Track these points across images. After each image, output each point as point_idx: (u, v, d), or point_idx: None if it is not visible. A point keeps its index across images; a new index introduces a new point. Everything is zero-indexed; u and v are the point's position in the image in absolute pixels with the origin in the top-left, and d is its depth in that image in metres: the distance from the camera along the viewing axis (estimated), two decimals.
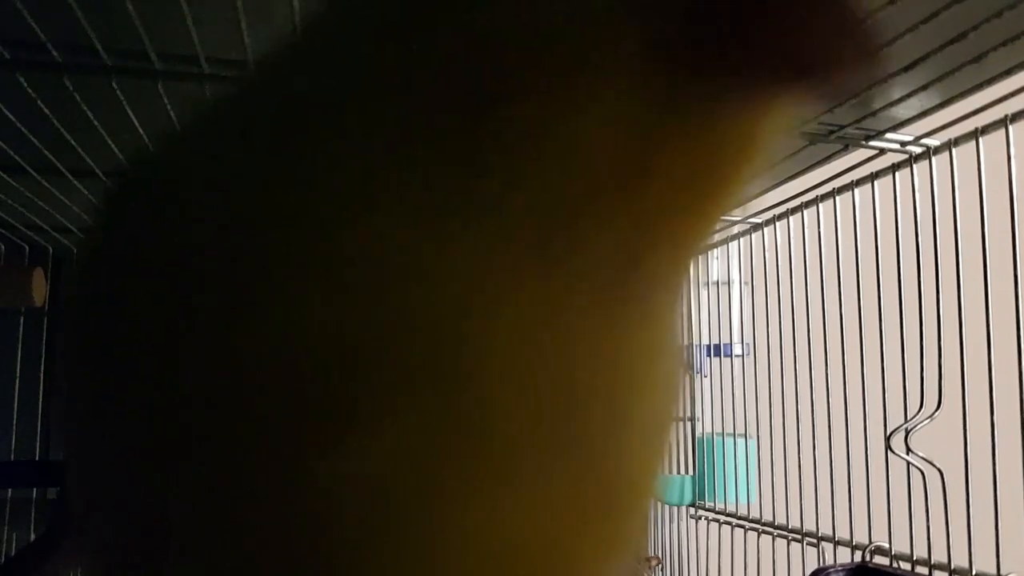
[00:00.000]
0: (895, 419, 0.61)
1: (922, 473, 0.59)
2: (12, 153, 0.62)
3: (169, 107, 0.52)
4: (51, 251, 0.90)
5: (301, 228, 0.14)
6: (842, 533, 0.68)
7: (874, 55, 0.12)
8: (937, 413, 0.59)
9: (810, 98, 0.13)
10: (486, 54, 0.13)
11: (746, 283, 0.84)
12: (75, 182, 0.66)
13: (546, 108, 0.13)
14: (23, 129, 0.56)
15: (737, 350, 0.89)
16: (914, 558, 0.60)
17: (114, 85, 0.50)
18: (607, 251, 0.14)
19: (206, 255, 0.14)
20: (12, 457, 0.87)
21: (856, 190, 0.66)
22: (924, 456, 0.59)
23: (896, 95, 0.54)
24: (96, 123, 0.55)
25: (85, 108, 0.53)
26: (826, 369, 0.69)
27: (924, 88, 0.52)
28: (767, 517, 0.79)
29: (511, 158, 0.13)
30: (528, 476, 0.14)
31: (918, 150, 0.61)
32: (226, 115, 0.17)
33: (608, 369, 0.15)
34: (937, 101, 0.55)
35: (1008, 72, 0.50)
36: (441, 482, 0.13)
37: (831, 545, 0.69)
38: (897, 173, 0.62)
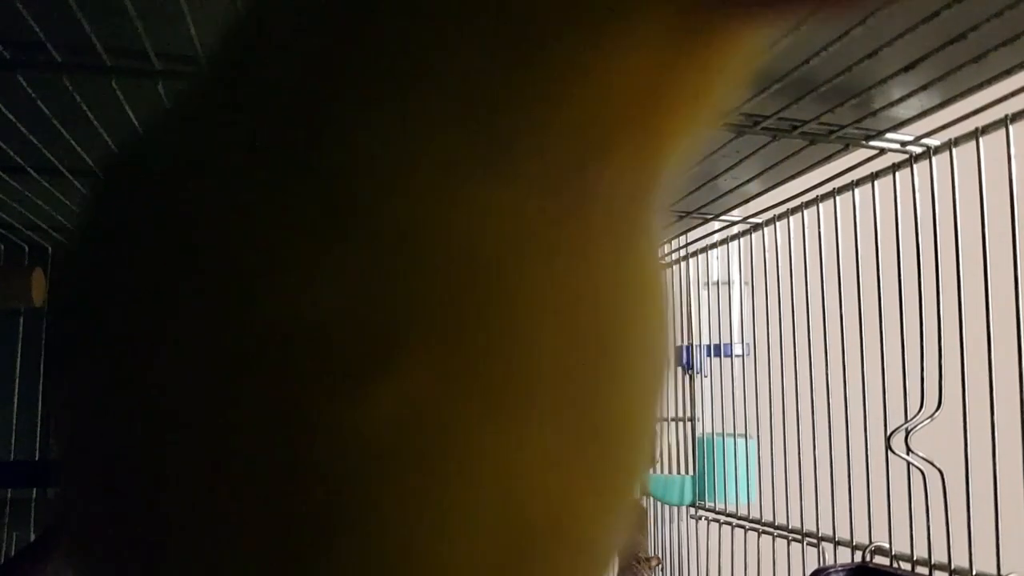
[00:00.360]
0: (895, 419, 0.61)
1: (922, 473, 0.59)
2: (12, 153, 0.62)
3: (169, 105, 0.52)
4: (51, 251, 0.90)
5: (327, 182, 0.14)
6: (842, 533, 0.68)
7: None
8: (937, 413, 0.59)
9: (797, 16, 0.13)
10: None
11: (746, 283, 0.84)
12: (75, 182, 0.66)
13: (579, 51, 0.13)
14: (23, 129, 0.56)
15: (737, 350, 0.89)
16: (914, 558, 0.60)
17: (114, 85, 0.50)
18: (617, 197, 0.14)
19: (212, 216, 0.14)
20: (12, 457, 0.87)
21: (856, 190, 0.66)
22: (924, 456, 0.59)
23: (896, 95, 0.54)
24: (96, 123, 0.55)
25: (85, 108, 0.53)
26: (826, 369, 0.69)
27: (924, 88, 0.52)
28: (767, 517, 0.79)
29: (541, 107, 0.14)
30: (543, 428, 0.14)
31: (918, 150, 0.61)
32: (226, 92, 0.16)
33: (618, 323, 0.15)
34: (937, 101, 0.55)
35: (1008, 72, 0.50)
36: (460, 434, 0.14)
37: (831, 545, 0.69)
38: (897, 173, 0.62)
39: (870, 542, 0.63)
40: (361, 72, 0.14)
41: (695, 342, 0.94)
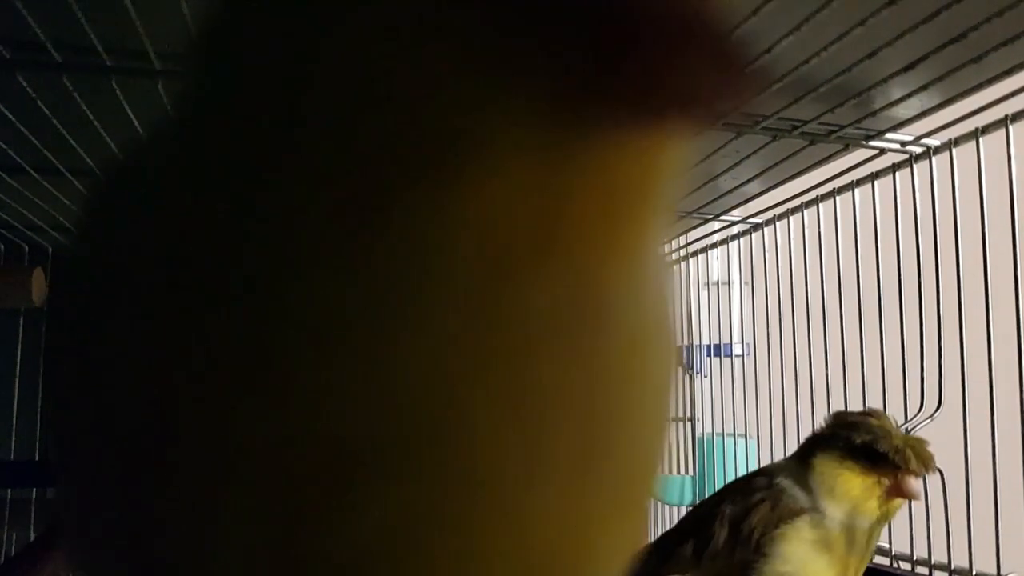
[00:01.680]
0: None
1: None
2: (12, 153, 0.62)
3: (169, 107, 0.52)
4: (51, 251, 0.90)
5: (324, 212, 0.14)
6: None
7: (743, 75, 0.12)
8: (937, 413, 0.59)
9: (695, 124, 0.13)
10: (370, 168, 0.13)
11: (746, 283, 0.84)
12: (75, 182, 0.66)
13: (448, 191, 0.13)
14: (23, 129, 0.56)
15: (737, 350, 0.89)
16: (914, 558, 0.60)
17: (114, 85, 0.50)
18: (555, 304, 0.14)
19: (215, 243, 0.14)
20: (12, 457, 0.87)
21: (856, 190, 0.66)
22: None
23: (896, 95, 0.54)
24: (96, 123, 0.55)
25: (85, 108, 0.53)
26: (826, 369, 0.69)
27: (924, 88, 0.52)
28: None
29: (428, 238, 0.13)
30: (564, 474, 0.15)
31: (918, 150, 0.61)
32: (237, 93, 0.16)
33: (625, 375, 0.16)
34: (937, 101, 0.55)
35: (1008, 72, 0.50)
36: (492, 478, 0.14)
37: None
38: (897, 173, 0.62)
39: None
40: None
41: (695, 342, 0.94)
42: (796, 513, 0.50)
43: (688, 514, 0.59)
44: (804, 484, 0.51)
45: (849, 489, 0.50)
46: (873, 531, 0.51)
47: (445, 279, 0.13)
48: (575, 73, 0.12)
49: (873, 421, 0.52)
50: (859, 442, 0.50)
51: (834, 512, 0.50)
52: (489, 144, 0.13)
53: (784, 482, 0.52)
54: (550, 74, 0.13)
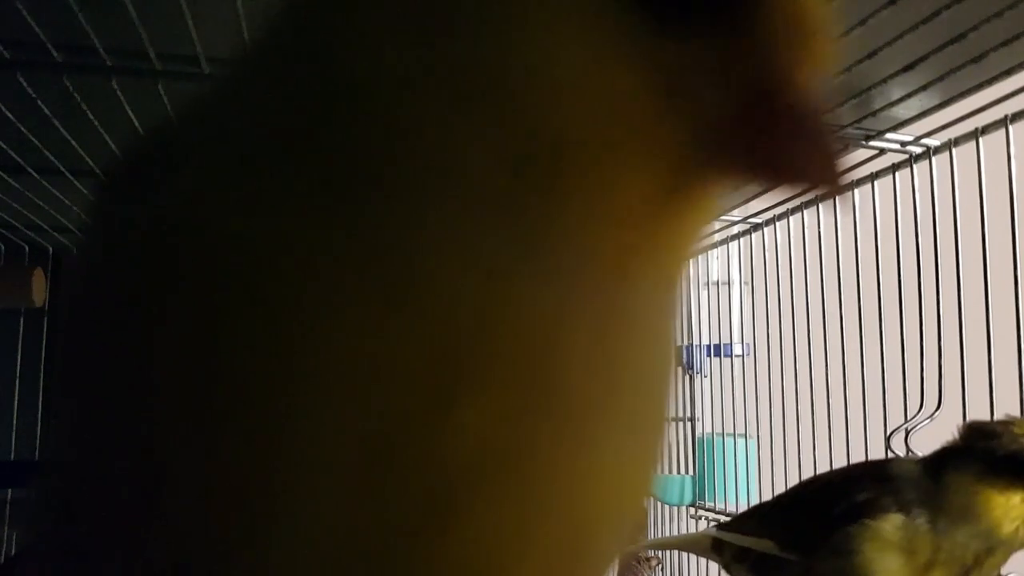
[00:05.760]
0: (895, 419, 0.61)
1: None
2: (12, 153, 0.62)
3: (169, 107, 0.52)
4: (51, 251, 0.90)
5: (355, 218, 0.15)
6: None
7: (836, 164, 0.16)
8: (937, 413, 0.59)
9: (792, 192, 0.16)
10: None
11: (746, 283, 0.84)
12: (75, 182, 0.66)
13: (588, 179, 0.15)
14: (23, 129, 0.56)
15: (737, 350, 0.89)
16: None
17: (114, 85, 0.50)
18: (642, 297, 0.17)
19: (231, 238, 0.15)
20: (12, 457, 0.87)
21: (856, 190, 0.66)
22: (924, 456, 0.59)
23: (896, 95, 0.54)
24: (96, 123, 0.55)
25: (85, 108, 0.53)
26: (826, 369, 0.69)
27: (924, 88, 0.52)
28: None
29: (563, 223, 0.15)
30: (594, 449, 0.16)
31: (918, 150, 0.61)
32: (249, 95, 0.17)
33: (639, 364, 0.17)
34: (937, 101, 0.55)
35: (1008, 72, 0.50)
36: (530, 455, 0.15)
37: None
38: (897, 173, 0.62)
39: None
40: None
41: (695, 342, 0.94)
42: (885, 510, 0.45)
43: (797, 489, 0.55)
44: (933, 505, 0.45)
45: (990, 509, 0.43)
46: (1002, 557, 0.45)
47: (571, 251, 0.15)
48: (707, 135, 0.15)
49: (1017, 429, 0.44)
50: (1002, 454, 0.43)
51: (966, 538, 0.44)
52: (620, 183, 0.15)
53: (910, 495, 0.45)
54: (688, 132, 0.15)
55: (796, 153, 0.15)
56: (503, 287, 0.15)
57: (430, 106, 0.15)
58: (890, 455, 0.61)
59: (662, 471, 0.95)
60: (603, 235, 0.15)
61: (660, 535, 0.97)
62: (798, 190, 0.16)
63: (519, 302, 0.15)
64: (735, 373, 0.88)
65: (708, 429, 0.93)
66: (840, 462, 0.66)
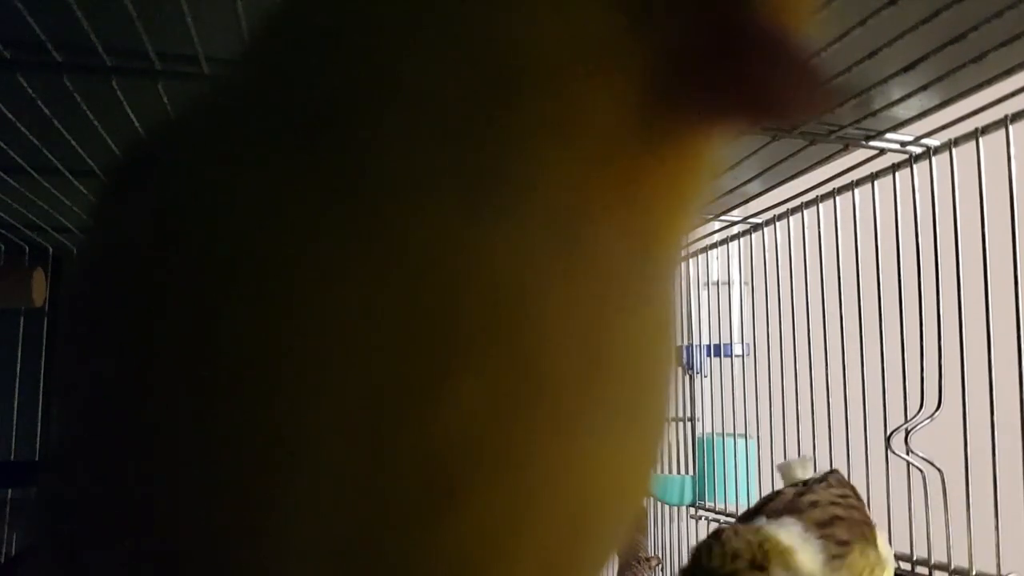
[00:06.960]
0: (895, 419, 0.61)
1: (922, 473, 0.59)
2: (12, 153, 0.62)
3: (169, 107, 0.52)
4: (51, 251, 0.90)
5: (349, 205, 0.15)
6: None
7: (819, 92, 0.15)
8: (937, 413, 0.59)
9: (758, 126, 0.15)
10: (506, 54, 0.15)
11: (746, 283, 0.84)
12: (75, 182, 0.66)
13: (561, 109, 0.15)
14: (23, 129, 0.56)
15: (737, 350, 0.89)
16: (914, 558, 0.60)
17: (114, 85, 0.50)
18: (616, 250, 0.16)
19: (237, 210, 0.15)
20: (12, 457, 0.87)
21: (856, 190, 0.66)
22: (924, 456, 0.59)
23: (896, 95, 0.54)
24: (96, 123, 0.55)
25: (85, 108, 0.53)
26: (826, 369, 0.69)
27: (924, 88, 0.52)
28: None
29: (528, 159, 0.15)
30: (589, 431, 0.16)
31: (918, 150, 0.61)
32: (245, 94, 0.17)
33: (634, 343, 0.17)
34: (937, 101, 0.55)
35: (1008, 72, 0.50)
36: (523, 434, 0.15)
37: None
38: (897, 173, 0.62)
39: None
40: (349, 81, 0.15)
41: (695, 342, 0.94)
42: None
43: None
44: None
45: None
46: None
47: (539, 213, 0.15)
48: (673, 64, 0.15)
49: (718, 548, 0.52)
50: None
51: None
52: (584, 110, 0.15)
53: None
54: (652, 60, 0.15)
55: (768, 78, 0.15)
56: (478, 236, 0.15)
57: (414, 55, 0.15)
58: (890, 456, 0.61)
59: (662, 471, 0.95)
60: (579, 172, 0.15)
61: (661, 535, 0.98)
62: (778, 119, 0.15)
63: (497, 254, 0.15)
64: (735, 373, 0.88)
65: (708, 429, 0.93)
66: (840, 462, 0.66)
